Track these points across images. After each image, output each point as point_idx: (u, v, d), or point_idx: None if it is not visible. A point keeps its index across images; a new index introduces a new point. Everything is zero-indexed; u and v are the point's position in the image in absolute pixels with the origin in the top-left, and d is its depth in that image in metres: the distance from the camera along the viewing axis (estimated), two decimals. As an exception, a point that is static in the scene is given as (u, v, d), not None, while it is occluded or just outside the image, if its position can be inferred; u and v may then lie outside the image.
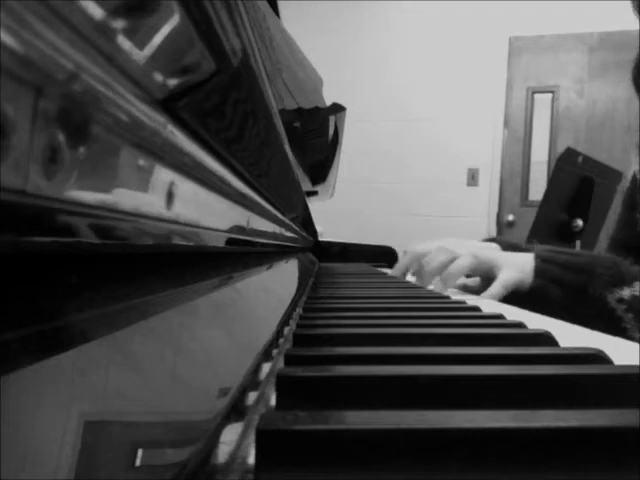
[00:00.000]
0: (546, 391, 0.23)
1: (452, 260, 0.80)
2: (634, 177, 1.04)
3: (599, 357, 0.27)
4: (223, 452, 0.16)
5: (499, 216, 3.29)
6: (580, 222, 2.05)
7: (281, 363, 0.27)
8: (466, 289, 0.89)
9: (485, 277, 0.83)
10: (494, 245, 0.90)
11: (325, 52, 3.09)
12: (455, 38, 3.24)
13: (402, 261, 0.96)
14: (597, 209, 2.04)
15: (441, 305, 0.53)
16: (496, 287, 0.77)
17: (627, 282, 0.73)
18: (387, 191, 3.32)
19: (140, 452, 0.12)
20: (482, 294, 0.78)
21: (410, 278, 0.94)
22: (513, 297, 0.77)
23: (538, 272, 0.78)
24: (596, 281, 0.74)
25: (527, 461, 0.16)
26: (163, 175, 0.16)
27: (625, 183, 1.24)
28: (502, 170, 3.26)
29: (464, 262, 0.79)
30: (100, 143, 0.11)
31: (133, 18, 0.11)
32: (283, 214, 0.54)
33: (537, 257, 0.79)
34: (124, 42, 0.11)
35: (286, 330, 0.36)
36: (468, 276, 0.89)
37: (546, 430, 0.16)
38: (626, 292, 0.72)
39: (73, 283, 0.13)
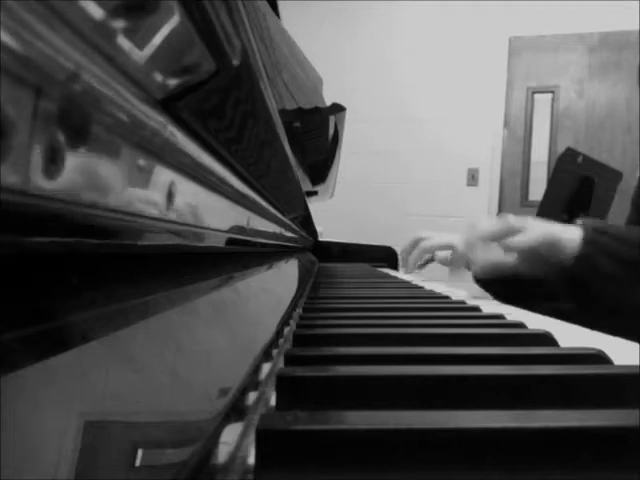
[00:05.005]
0: (546, 391, 0.23)
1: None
2: None
3: (599, 357, 0.27)
4: (223, 452, 0.16)
5: (499, 216, 3.28)
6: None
7: (281, 363, 0.27)
8: (444, 262, 0.83)
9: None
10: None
11: (325, 52, 3.09)
12: (455, 38, 3.24)
13: (412, 255, 0.91)
14: (597, 209, 2.04)
15: (441, 305, 0.53)
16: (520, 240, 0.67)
17: None
18: (387, 191, 3.32)
19: (140, 452, 0.12)
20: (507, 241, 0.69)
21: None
22: (552, 278, 0.67)
23: (587, 240, 0.66)
24: None
25: (527, 461, 0.16)
26: (163, 175, 0.16)
27: (632, 182, 1.22)
28: (502, 170, 3.26)
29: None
30: (100, 143, 0.11)
31: (133, 18, 0.11)
32: (283, 214, 0.54)
33: (585, 227, 0.68)
34: (124, 42, 0.11)
35: (286, 330, 0.36)
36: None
37: (546, 430, 0.16)
38: None
39: (73, 283, 0.13)
